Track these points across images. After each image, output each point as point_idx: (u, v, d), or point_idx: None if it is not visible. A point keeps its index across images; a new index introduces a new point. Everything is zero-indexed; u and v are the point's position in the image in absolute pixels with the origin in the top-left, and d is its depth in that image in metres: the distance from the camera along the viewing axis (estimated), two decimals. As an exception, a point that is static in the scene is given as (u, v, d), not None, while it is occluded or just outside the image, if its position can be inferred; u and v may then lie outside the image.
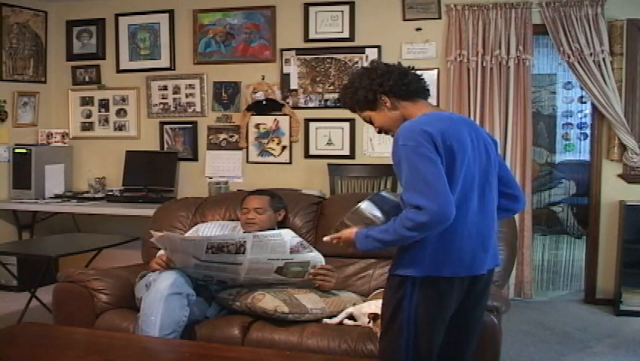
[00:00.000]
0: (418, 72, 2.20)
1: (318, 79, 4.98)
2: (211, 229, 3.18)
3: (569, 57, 4.42)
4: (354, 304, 2.83)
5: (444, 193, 1.87)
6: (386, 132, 2.19)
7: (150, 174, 5.17)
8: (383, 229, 1.98)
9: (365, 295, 3.01)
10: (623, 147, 4.45)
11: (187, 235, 3.17)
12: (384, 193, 2.19)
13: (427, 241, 1.95)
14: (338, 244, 2.13)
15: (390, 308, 2.05)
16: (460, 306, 2.06)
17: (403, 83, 2.11)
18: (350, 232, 2.07)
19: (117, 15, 5.42)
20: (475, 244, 2.01)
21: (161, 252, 2.93)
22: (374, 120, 2.18)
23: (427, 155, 1.90)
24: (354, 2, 4.88)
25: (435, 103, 4.68)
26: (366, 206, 2.12)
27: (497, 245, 2.19)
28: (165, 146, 5.38)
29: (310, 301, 2.76)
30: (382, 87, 2.11)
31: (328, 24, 4.93)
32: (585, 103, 6.18)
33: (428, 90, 2.20)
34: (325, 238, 2.16)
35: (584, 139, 6.44)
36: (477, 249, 2.02)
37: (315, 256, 2.86)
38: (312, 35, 4.97)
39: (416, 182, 1.89)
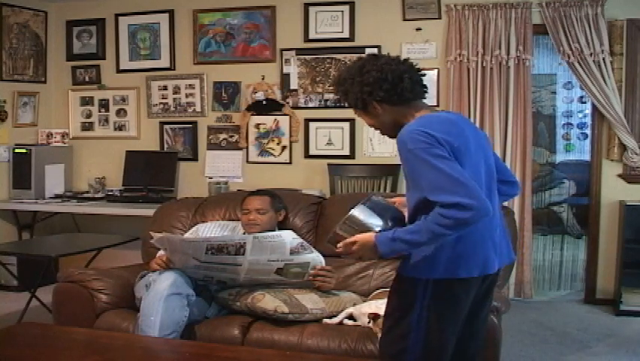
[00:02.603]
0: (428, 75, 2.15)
1: (318, 79, 4.98)
2: (211, 229, 3.18)
3: (569, 57, 4.42)
4: (354, 304, 2.83)
5: (477, 188, 1.84)
6: (376, 129, 2.17)
7: (150, 174, 5.17)
8: (412, 230, 1.89)
9: (365, 295, 3.01)
10: (623, 147, 4.45)
11: (187, 235, 3.17)
12: (374, 198, 2.10)
13: (443, 242, 1.92)
14: (352, 253, 2.01)
15: (398, 309, 2.02)
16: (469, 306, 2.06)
17: (395, 92, 2.02)
18: (368, 236, 1.96)
19: (117, 15, 5.42)
20: (487, 243, 2.00)
21: (161, 252, 2.93)
22: (365, 120, 2.16)
23: (442, 154, 1.86)
24: (354, 2, 4.88)
25: (435, 103, 4.68)
26: (359, 212, 2.02)
27: (509, 240, 2.19)
28: (165, 146, 5.38)
29: (310, 301, 2.76)
30: (372, 96, 2.03)
31: (328, 24, 4.93)
32: (585, 103, 6.17)
33: (425, 90, 2.11)
34: (339, 245, 2.02)
35: (584, 139, 6.44)
36: (489, 248, 2.01)
37: (315, 258, 2.86)
38: (312, 35, 4.97)
39: (444, 182, 1.83)
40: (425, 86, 2.11)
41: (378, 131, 2.17)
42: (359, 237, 1.99)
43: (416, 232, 1.87)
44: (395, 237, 1.91)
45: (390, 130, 2.10)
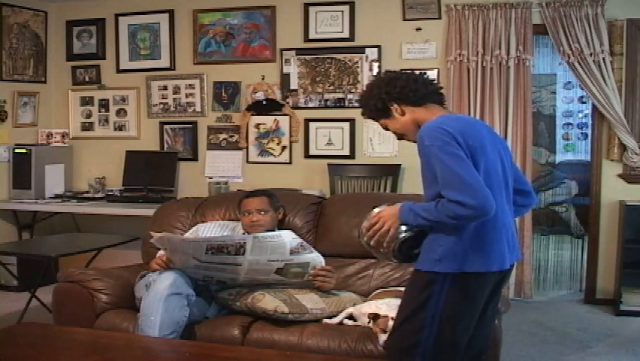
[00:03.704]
0: (430, 76, 2.26)
1: (318, 79, 4.98)
2: (211, 229, 3.18)
3: (569, 57, 4.42)
4: (354, 304, 2.83)
5: (481, 188, 1.93)
6: (403, 138, 2.26)
7: (150, 174, 5.17)
8: (426, 208, 2.03)
9: (365, 295, 3.01)
10: (623, 147, 4.45)
11: (187, 235, 3.17)
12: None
13: (460, 236, 2.00)
14: (379, 218, 2.14)
15: (413, 304, 2.07)
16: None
17: (410, 90, 2.16)
18: (394, 206, 2.13)
19: (117, 15, 5.42)
20: (502, 240, 2.07)
21: (161, 252, 2.93)
22: (389, 127, 2.25)
23: (456, 152, 1.96)
24: (354, 2, 4.88)
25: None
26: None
27: (517, 240, 2.25)
28: (165, 146, 5.38)
29: (310, 301, 2.76)
30: (389, 95, 2.17)
31: (328, 24, 4.93)
32: (585, 103, 6.18)
33: (441, 94, 2.25)
34: (365, 224, 2.18)
35: (584, 139, 6.45)
36: (503, 244, 2.07)
37: (315, 258, 2.86)
38: (312, 35, 4.97)
39: (452, 179, 1.95)
40: (442, 93, 2.24)
41: (405, 139, 2.25)
42: (387, 207, 2.16)
43: (428, 211, 2.01)
44: (413, 208, 2.06)
45: (415, 134, 2.17)
